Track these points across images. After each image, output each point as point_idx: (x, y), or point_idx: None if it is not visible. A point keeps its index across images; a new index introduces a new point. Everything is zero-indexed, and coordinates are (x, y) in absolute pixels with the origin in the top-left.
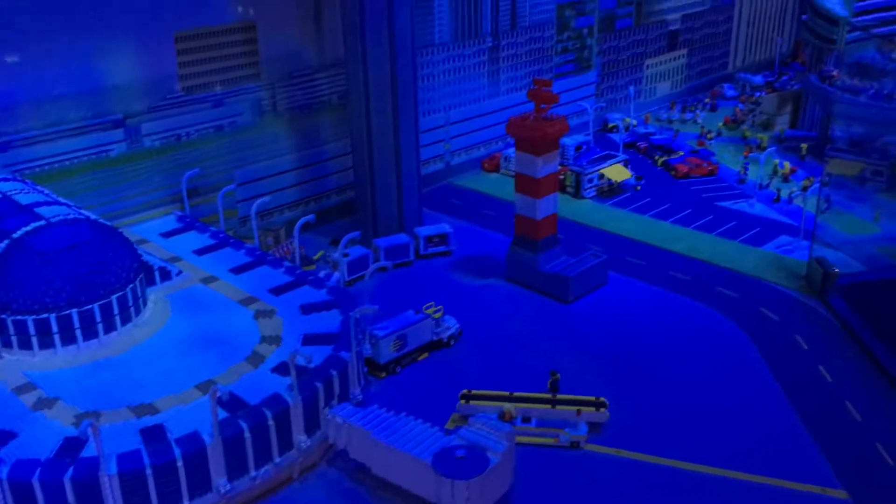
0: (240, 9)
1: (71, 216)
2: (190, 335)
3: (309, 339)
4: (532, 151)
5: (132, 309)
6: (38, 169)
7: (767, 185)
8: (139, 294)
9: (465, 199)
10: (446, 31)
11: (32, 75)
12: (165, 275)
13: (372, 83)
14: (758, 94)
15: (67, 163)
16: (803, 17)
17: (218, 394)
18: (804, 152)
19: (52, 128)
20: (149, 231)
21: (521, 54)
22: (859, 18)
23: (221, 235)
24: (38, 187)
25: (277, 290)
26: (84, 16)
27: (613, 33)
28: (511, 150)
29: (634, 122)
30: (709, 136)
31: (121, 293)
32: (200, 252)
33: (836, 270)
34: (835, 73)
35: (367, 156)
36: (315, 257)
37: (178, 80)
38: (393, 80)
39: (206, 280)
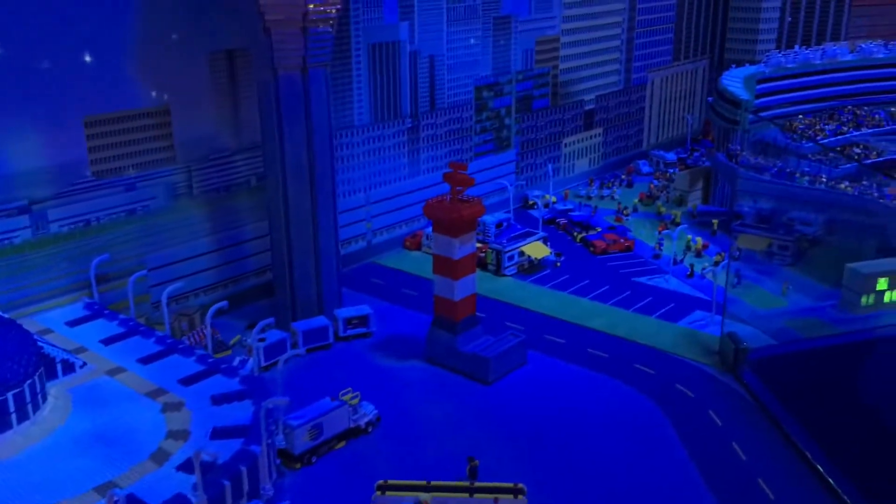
0: (153, 93)
1: None
2: (91, 432)
3: (219, 433)
4: (449, 233)
5: (30, 406)
6: None
7: (681, 261)
8: (38, 389)
9: (387, 278)
10: (366, 112)
11: None
12: (69, 367)
13: (289, 165)
14: (671, 170)
15: None
16: (709, 98)
17: (115, 499)
18: (716, 227)
19: None
20: (54, 320)
21: (440, 134)
22: (760, 101)
23: (131, 323)
24: None
25: (188, 381)
26: None
27: (531, 113)
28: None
29: (554, 198)
30: (625, 211)
31: (17, 390)
32: (108, 341)
33: (746, 346)
34: (740, 151)
35: (284, 237)
36: (231, 342)
37: (89, 164)
38: (310, 162)
39: (113, 371)
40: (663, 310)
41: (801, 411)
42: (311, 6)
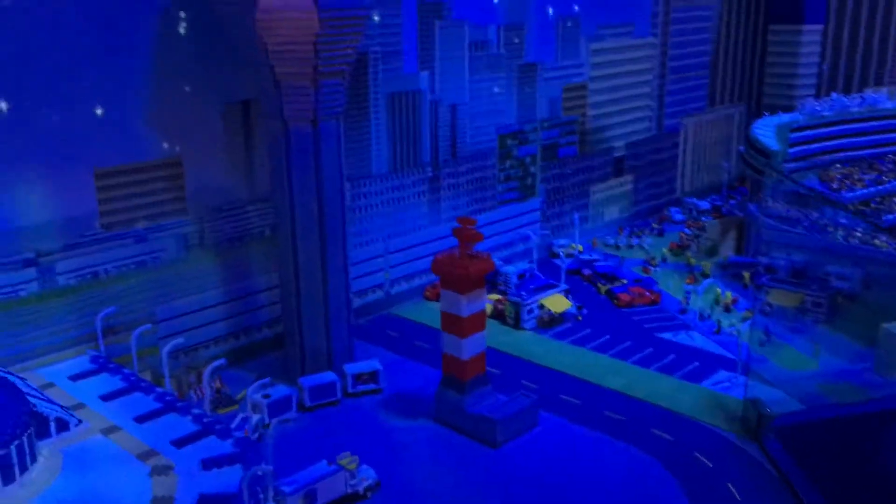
0: (165, 145)
1: None
2: (76, 497)
3: (204, 500)
4: (457, 289)
5: (16, 467)
6: None
7: (709, 316)
8: (26, 450)
9: (403, 330)
10: (384, 161)
11: None
12: (63, 426)
13: (298, 217)
14: (704, 218)
15: None
16: (740, 148)
17: None
18: (747, 280)
19: None
20: (57, 374)
21: (462, 183)
22: (795, 149)
23: (133, 378)
24: None
25: (181, 442)
26: None
27: (557, 161)
28: None
29: (580, 247)
30: (653, 262)
31: (4, 451)
32: (108, 397)
33: (770, 412)
34: (772, 202)
35: (293, 290)
36: (238, 397)
37: (98, 216)
38: (320, 215)
39: (108, 430)
40: (686, 369)
41: (827, 485)
42: (322, 60)
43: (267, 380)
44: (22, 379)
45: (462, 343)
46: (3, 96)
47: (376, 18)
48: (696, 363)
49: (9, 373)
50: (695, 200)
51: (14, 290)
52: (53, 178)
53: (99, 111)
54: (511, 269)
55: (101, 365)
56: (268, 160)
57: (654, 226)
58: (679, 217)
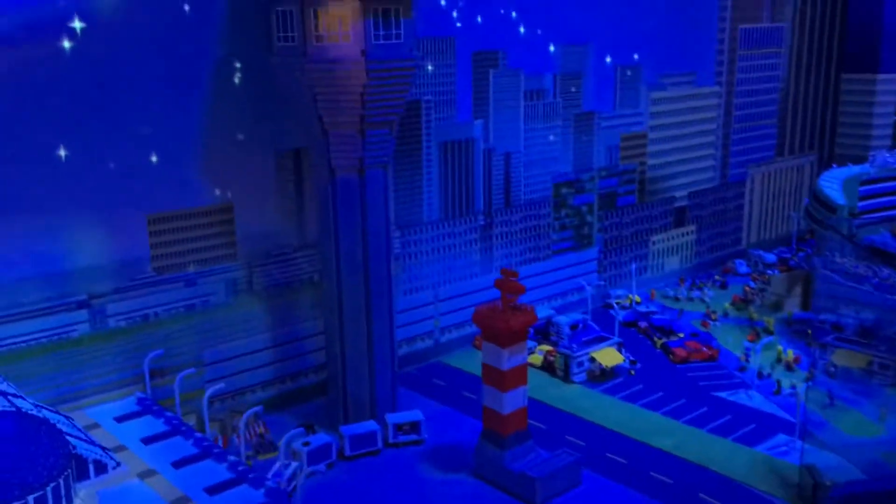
0: (217, 191)
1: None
2: None
3: None
4: (497, 343)
5: None
6: None
7: (769, 375)
8: (62, 493)
9: (451, 380)
10: (435, 209)
11: None
12: (101, 468)
13: (343, 265)
14: (770, 272)
15: (24, 345)
16: (805, 200)
17: None
18: (811, 339)
19: (11, 309)
20: (104, 415)
21: (515, 231)
22: (864, 203)
23: (175, 422)
24: None
25: (213, 489)
26: (52, 197)
27: (615, 210)
28: None
29: (638, 298)
30: (713, 316)
31: (40, 493)
32: (149, 440)
33: (828, 481)
34: (839, 258)
35: (337, 337)
36: (280, 443)
37: (150, 260)
38: (365, 263)
39: (144, 474)
40: (742, 431)
41: None
42: (369, 110)
43: (301, 429)
44: (69, 419)
45: (502, 397)
46: (63, 143)
47: (430, 68)
48: (753, 425)
49: (57, 412)
50: (761, 252)
51: (66, 331)
52: (108, 223)
53: (154, 158)
54: (563, 320)
55: (146, 407)
56: (316, 207)
57: (717, 278)
58: (744, 269)
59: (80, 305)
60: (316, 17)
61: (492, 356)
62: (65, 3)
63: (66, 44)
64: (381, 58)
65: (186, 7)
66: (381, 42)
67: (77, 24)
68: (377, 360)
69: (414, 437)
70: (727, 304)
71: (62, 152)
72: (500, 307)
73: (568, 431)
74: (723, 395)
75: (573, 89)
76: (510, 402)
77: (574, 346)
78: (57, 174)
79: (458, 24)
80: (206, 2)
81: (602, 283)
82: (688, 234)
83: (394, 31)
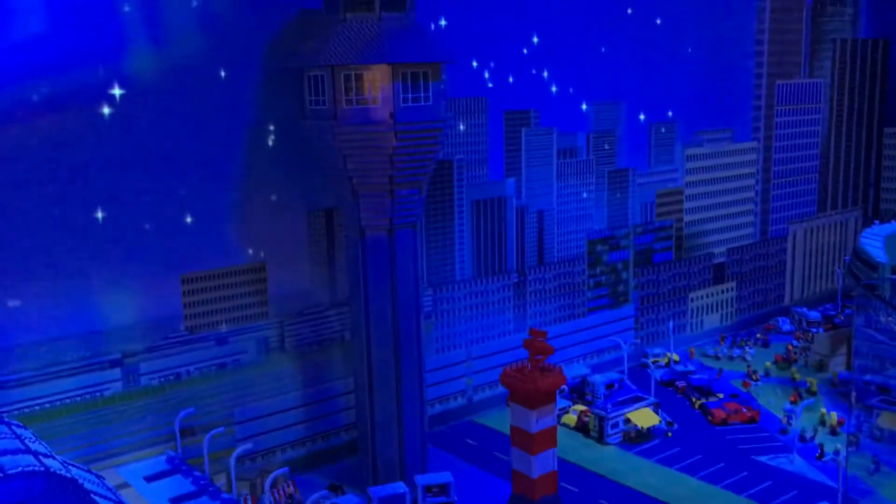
0: (250, 251)
1: (30, 468)
2: None
3: None
4: (526, 404)
5: None
6: (27, 410)
7: (812, 438)
8: None
9: (484, 440)
10: (468, 267)
11: (31, 317)
12: None
13: (373, 324)
14: (814, 330)
15: (59, 403)
16: (846, 258)
17: None
18: (856, 401)
19: (46, 368)
20: (134, 473)
21: (549, 289)
22: None
23: (202, 482)
24: (20, 430)
25: None
26: (89, 257)
27: (652, 267)
28: None
29: (676, 357)
30: (754, 376)
31: None
32: (176, 500)
33: None
34: (883, 318)
35: (367, 396)
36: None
37: (183, 319)
38: (395, 323)
39: None
40: (782, 498)
41: None
42: (398, 172)
43: (325, 492)
44: (100, 478)
45: (532, 460)
46: (101, 205)
47: (461, 128)
48: (795, 491)
49: (88, 471)
50: (804, 310)
51: (99, 389)
52: (142, 283)
53: (189, 219)
54: (599, 379)
55: (176, 466)
56: (347, 266)
57: (759, 336)
58: (787, 327)
59: (114, 364)
60: (345, 81)
61: (520, 418)
62: (105, 72)
63: (106, 110)
64: (409, 120)
65: (222, 73)
66: (410, 105)
67: (117, 91)
68: (406, 420)
69: (443, 499)
70: (768, 364)
71: (100, 214)
72: (529, 368)
73: (601, 496)
74: (763, 459)
75: (606, 147)
76: (539, 466)
77: (609, 406)
78: (94, 235)
79: (490, 85)
80: (242, 67)
81: (637, 341)
82: (728, 290)
83: (422, 94)
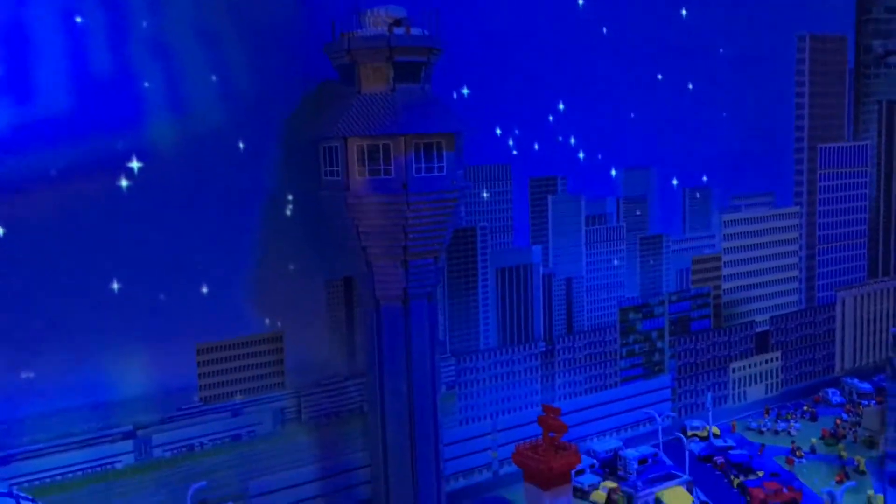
0: (267, 321)
1: None
2: None
3: None
4: (539, 485)
5: None
6: (37, 482)
7: None
8: None
9: None
10: (493, 336)
11: (41, 388)
12: None
13: (387, 396)
14: (865, 403)
15: (70, 475)
16: (892, 329)
17: None
18: None
19: (57, 440)
20: None
21: (579, 358)
22: None
23: None
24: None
25: None
26: (103, 328)
27: (689, 336)
28: None
29: (717, 430)
30: (798, 453)
31: None
32: None
33: None
34: None
35: (382, 471)
36: None
37: (198, 390)
38: (409, 395)
39: None
40: None
41: None
42: (412, 242)
43: None
44: None
45: None
46: (116, 276)
47: (485, 195)
48: None
49: None
50: (855, 381)
51: (111, 462)
52: (156, 354)
53: (204, 290)
54: (632, 454)
55: None
56: (362, 337)
57: (807, 409)
58: (837, 399)
59: (126, 436)
60: (359, 152)
61: (534, 499)
62: (124, 146)
63: (124, 182)
64: (422, 190)
65: (241, 144)
66: (424, 175)
67: (135, 164)
68: (422, 495)
69: None
70: (814, 440)
71: (115, 285)
72: (543, 446)
73: None
74: None
75: (638, 213)
76: None
77: (639, 483)
78: (109, 305)
79: (515, 153)
80: (259, 138)
81: (672, 413)
82: (772, 360)
83: (436, 164)
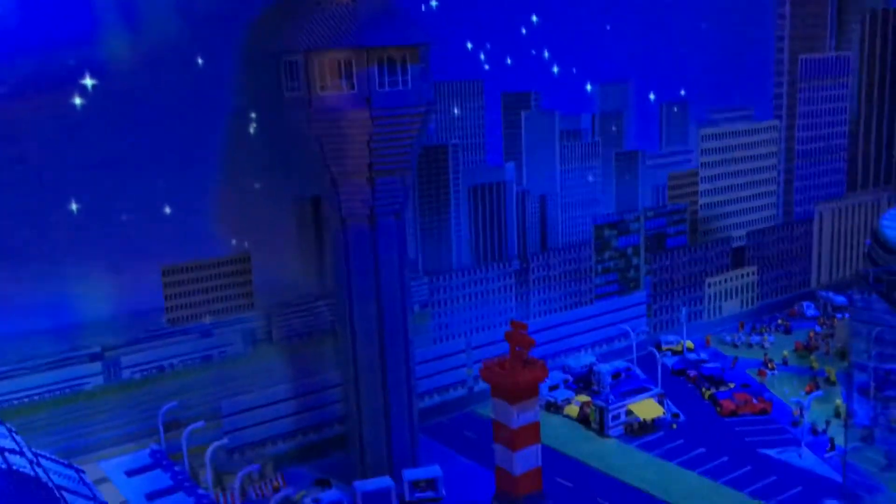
0: (233, 241)
1: None
2: None
3: None
4: (506, 399)
5: None
6: (5, 404)
7: (823, 431)
8: None
9: (482, 432)
10: (465, 255)
11: (5, 310)
12: None
13: (356, 315)
14: (840, 315)
15: (37, 398)
16: (866, 241)
17: None
18: (872, 391)
19: (24, 362)
20: (115, 468)
21: (554, 276)
22: None
23: (180, 477)
24: None
25: None
26: (66, 250)
27: (665, 252)
28: None
29: (690, 344)
30: (770, 364)
31: None
32: (152, 496)
33: None
34: None
35: (353, 390)
36: (296, 497)
37: (165, 311)
38: (379, 314)
39: None
40: (786, 494)
41: None
42: (377, 159)
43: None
44: (79, 472)
45: (513, 456)
46: (75, 197)
47: (456, 111)
48: (800, 487)
49: (68, 465)
50: (830, 294)
51: (80, 383)
52: (122, 275)
53: (168, 210)
54: (605, 368)
55: (157, 461)
56: (331, 257)
57: (781, 322)
58: (812, 313)
59: (94, 358)
60: (320, 66)
61: (501, 413)
62: (76, 62)
63: (78, 100)
64: (386, 105)
65: (199, 60)
66: (387, 90)
67: (88, 81)
68: (394, 413)
69: (431, 494)
70: (786, 352)
71: (74, 206)
72: (510, 361)
73: (595, 492)
74: (771, 452)
75: (614, 128)
76: (522, 462)
77: (611, 397)
78: (70, 227)
79: (486, 67)
80: (219, 54)
81: (647, 329)
82: (748, 275)
83: (400, 78)
